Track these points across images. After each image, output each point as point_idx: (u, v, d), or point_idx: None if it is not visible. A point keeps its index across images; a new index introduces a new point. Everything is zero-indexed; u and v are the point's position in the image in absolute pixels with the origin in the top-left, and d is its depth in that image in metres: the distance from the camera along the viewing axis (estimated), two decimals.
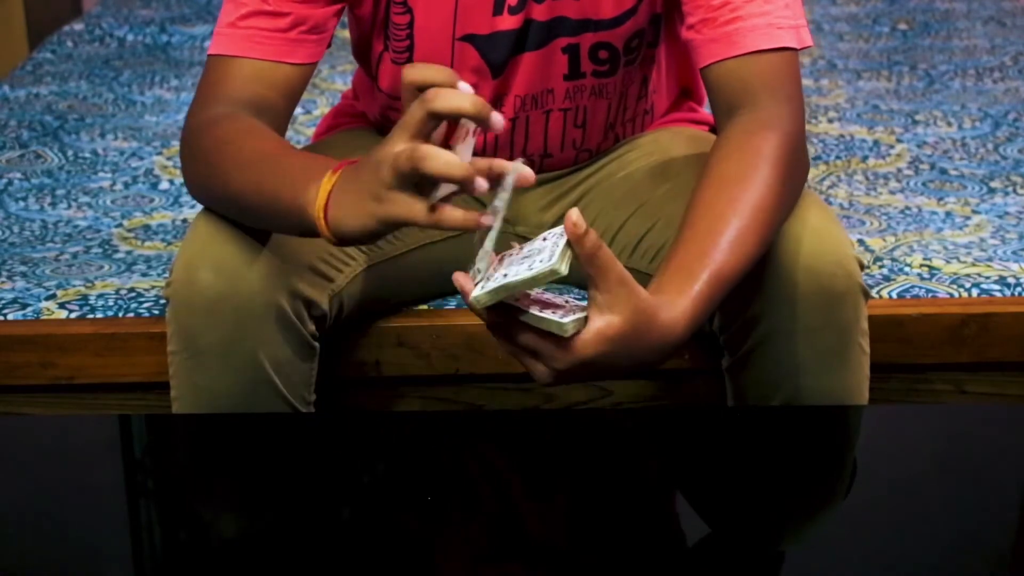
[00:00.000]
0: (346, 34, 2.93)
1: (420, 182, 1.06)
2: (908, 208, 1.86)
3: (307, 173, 1.14)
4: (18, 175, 2.06)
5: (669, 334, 1.12)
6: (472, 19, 1.36)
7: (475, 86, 1.39)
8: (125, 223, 1.86)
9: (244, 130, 1.26)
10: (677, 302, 1.13)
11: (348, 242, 1.13)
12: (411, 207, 1.06)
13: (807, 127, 1.64)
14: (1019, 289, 1.58)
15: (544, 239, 1.09)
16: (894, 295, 1.57)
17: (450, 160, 1.04)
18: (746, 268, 1.19)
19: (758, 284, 1.26)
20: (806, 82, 2.40)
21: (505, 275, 1.06)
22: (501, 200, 1.06)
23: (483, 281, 1.07)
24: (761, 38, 1.28)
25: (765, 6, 1.28)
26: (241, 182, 1.21)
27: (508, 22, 1.36)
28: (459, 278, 1.08)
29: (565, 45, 1.38)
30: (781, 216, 1.24)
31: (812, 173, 1.97)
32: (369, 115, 1.53)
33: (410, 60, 1.39)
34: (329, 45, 1.37)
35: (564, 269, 1.04)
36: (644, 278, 1.43)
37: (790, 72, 1.29)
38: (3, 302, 1.59)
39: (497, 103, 1.41)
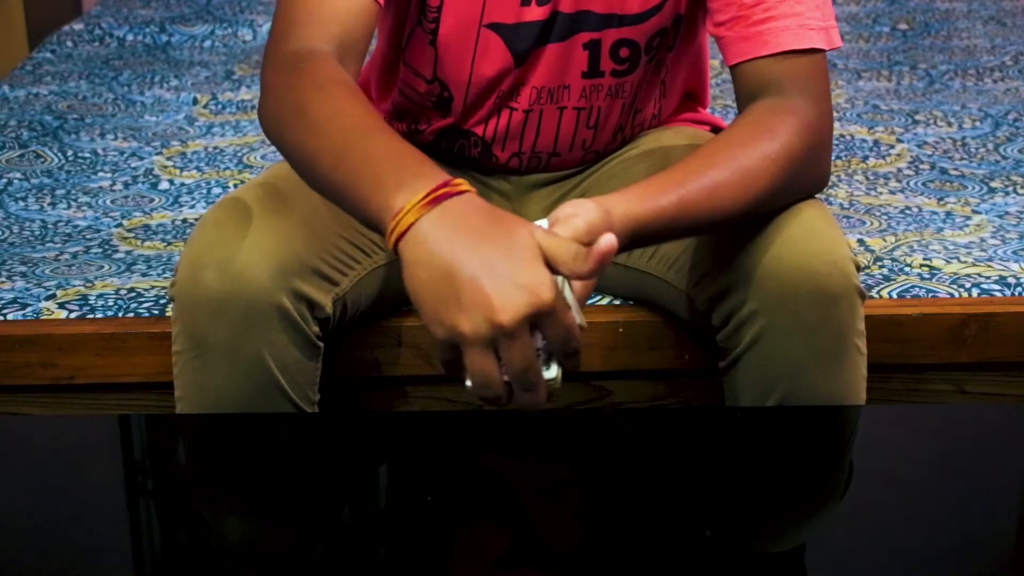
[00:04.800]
0: None
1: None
2: (908, 208, 1.85)
3: (399, 173, 1.05)
4: (18, 175, 2.06)
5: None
6: (500, 7, 1.37)
7: (496, 74, 1.40)
8: (125, 223, 1.86)
9: (335, 80, 1.19)
10: (630, 205, 1.14)
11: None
12: (489, 369, 1.00)
13: None
14: (1019, 289, 1.58)
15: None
16: (894, 295, 1.57)
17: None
18: (716, 218, 1.21)
19: (754, 284, 1.26)
20: None
21: None
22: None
23: None
24: (791, 38, 1.28)
25: (797, 7, 1.29)
26: (322, 146, 1.13)
27: (535, 13, 1.37)
28: None
29: (587, 41, 1.38)
30: (773, 194, 1.24)
31: None
32: (380, 103, 1.52)
33: (434, 42, 1.40)
34: None
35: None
36: (644, 277, 1.43)
37: (818, 73, 1.29)
38: (3, 302, 1.59)
39: (514, 92, 1.41)
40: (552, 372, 1.03)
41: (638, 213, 1.15)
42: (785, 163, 1.24)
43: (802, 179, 1.27)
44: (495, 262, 0.99)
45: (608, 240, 1.03)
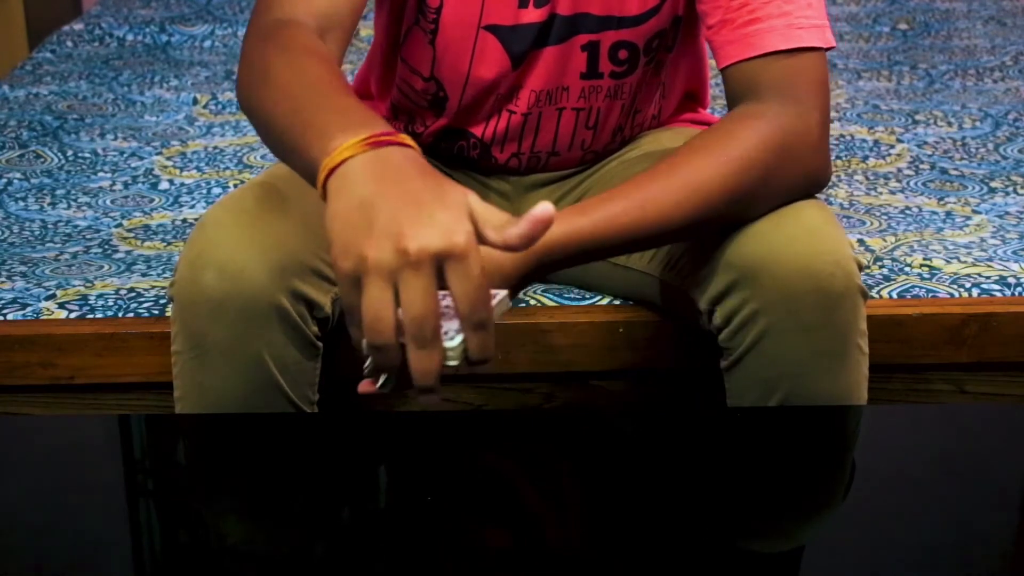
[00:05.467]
0: None
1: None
2: (908, 208, 1.86)
3: (346, 120, 1.02)
4: (18, 175, 2.06)
5: (506, 259, 1.14)
6: (498, 9, 1.37)
7: (494, 78, 1.40)
8: (125, 223, 1.86)
9: (304, 45, 1.18)
10: None
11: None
12: (384, 306, 0.92)
13: None
14: (1019, 289, 1.58)
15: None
16: (894, 295, 1.57)
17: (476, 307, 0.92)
18: (657, 226, 1.21)
19: (756, 284, 1.26)
20: None
21: None
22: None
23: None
24: (778, 39, 1.28)
25: (785, 6, 1.28)
26: (280, 104, 1.11)
27: (533, 15, 1.37)
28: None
29: (585, 42, 1.39)
30: (734, 198, 1.23)
31: None
32: (379, 102, 1.52)
33: (432, 43, 1.40)
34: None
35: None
36: (645, 278, 1.43)
37: (807, 73, 1.28)
38: (3, 302, 1.59)
39: (512, 95, 1.41)
40: (455, 342, 0.95)
41: (550, 235, 1.13)
42: (744, 168, 1.23)
43: (777, 181, 1.26)
44: (417, 203, 0.93)
45: (545, 207, 0.95)
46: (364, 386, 1.01)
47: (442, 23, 1.38)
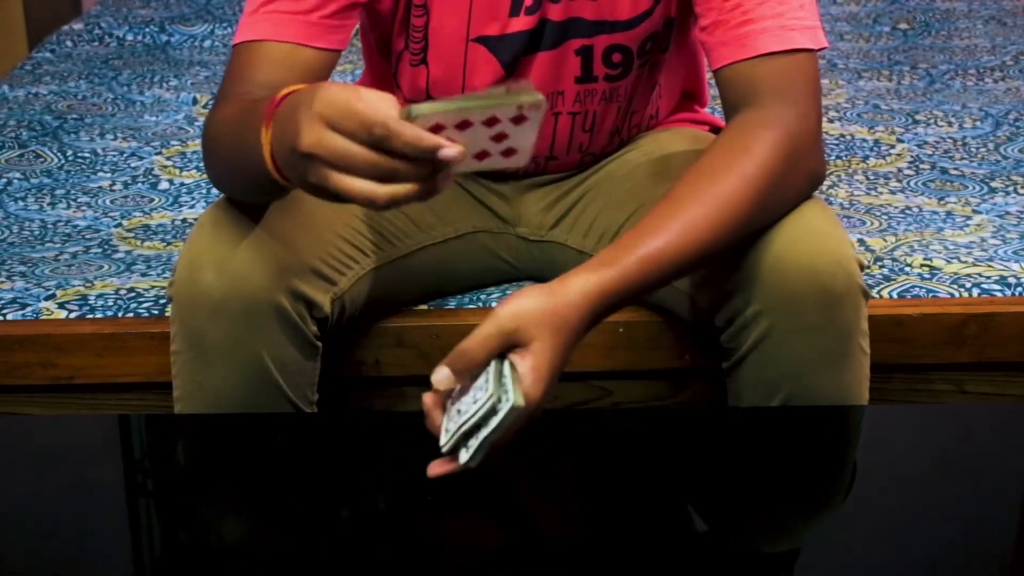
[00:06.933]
0: None
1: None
2: (908, 208, 1.85)
3: (259, 125, 1.10)
4: (17, 175, 2.06)
5: (573, 313, 1.14)
6: (486, 20, 1.37)
7: (488, 87, 1.39)
8: (124, 223, 1.86)
9: (245, 97, 1.24)
10: (586, 278, 1.14)
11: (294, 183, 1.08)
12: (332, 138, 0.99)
13: None
14: (1019, 289, 1.58)
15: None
16: (894, 295, 1.57)
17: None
18: (697, 254, 1.19)
19: (758, 284, 1.26)
20: None
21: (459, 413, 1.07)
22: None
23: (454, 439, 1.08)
24: (772, 40, 1.27)
25: (778, 7, 1.28)
26: (224, 156, 1.21)
27: (523, 22, 1.37)
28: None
29: (579, 47, 1.38)
30: (758, 212, 1.23)
31: None
32: None
33: (424, 61, 1.40)
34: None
35: (520, 400, 1.05)
36: None
37: (801, 74, 1.28)
38: (3, 302, 1.59)
39: None
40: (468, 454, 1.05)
41: (597, 283, 1.14)
42: (766, 180, 1.23)
43: (789, 187, 1.26)
44: (297, 111, 1.02)
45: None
46: (439, 467, 1.07)
47: (431, 39, 1.38)
